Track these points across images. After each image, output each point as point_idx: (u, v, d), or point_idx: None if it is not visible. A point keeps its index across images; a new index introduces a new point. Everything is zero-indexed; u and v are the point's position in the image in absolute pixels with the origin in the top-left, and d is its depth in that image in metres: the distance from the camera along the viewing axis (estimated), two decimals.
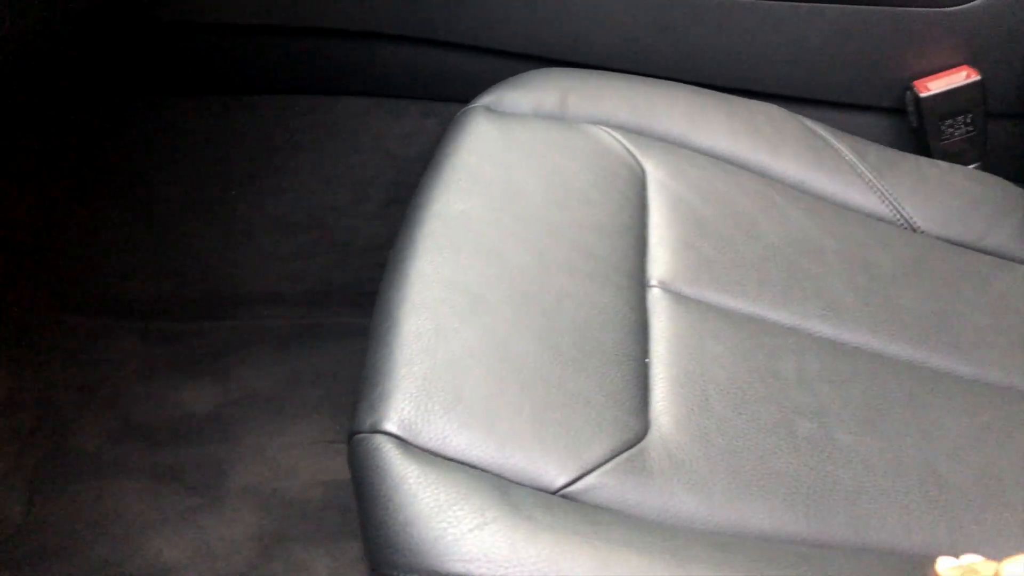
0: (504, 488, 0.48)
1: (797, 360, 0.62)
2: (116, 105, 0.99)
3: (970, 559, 0.48)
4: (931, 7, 0.84)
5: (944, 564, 0.48)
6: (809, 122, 0.84)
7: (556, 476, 0.50)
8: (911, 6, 0.84)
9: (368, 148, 0.98)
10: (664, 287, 0.66)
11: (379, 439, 0.50)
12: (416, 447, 0.50)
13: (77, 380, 0.99)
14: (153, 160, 1.03)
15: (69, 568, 0.80)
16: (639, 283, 0.66)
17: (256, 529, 0.83)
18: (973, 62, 0.85)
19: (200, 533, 0.83)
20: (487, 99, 0.81)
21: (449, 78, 0.94)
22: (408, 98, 0.97)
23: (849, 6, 0.85)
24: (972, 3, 0.83)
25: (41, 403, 0.97)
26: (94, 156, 1.02)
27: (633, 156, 0.77)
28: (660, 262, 0.68)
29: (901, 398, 0.62)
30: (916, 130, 0.88)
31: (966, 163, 0.89)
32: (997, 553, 0.54)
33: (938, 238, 0.80)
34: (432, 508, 0.46)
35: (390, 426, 0.50)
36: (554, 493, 0.50)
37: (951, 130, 0.86)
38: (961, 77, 0.84)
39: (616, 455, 0.52)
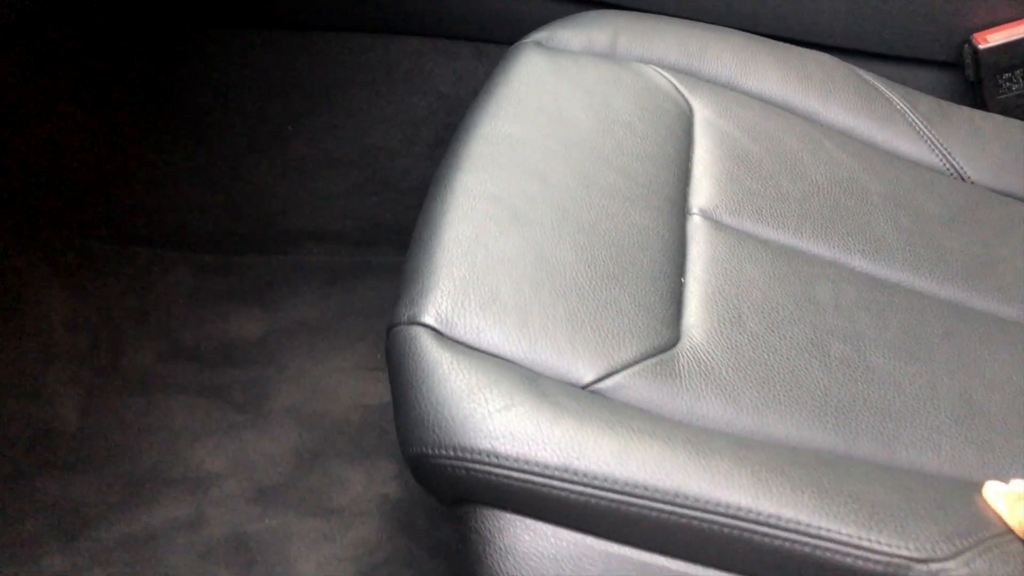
0: (532, 378, 0.49)
1: (834, 288, 0.62)
2: (181, 36, 1.02)
3: (1020, 484, 0.48)
4: None
5: (992, 488, 0.48)
6: (861, 71, 0.83)
7: (585, 373, 0.51)
8: None
9: (421, 88, 0.99)
10: (705, 215, 0.66)
11: (416, 330, 0.51)
12: (450, 339, 0.51)
13: (133, 305, 1.03)
14: (213, 93, 1.05)
15: (117, 472, 0.84)
16: (680, 210, 0.66)
17: (295, 445, 0.85)
18: None
19: (242, 446, 0.85)
20: (539, 35, 0.82)
21: (503, 20, 0.95)
22: (462, 39, 0.98)
23: None
24: None
25: (99, 325, 1.01)
26: (158, 86, 1.05)
27: (681, 94, 0.77)
28: (703, 192, 0.68)
29: (939, 331, 0.62)
30: (972, 84, 0.87)
31: (1023, 118, 0.87)
32: None
33: (989, 189, 0.79)
34: (463, 390, 0.47)
35: (427, 319, 0.52)
36: (583, 389, 0.51)
37: (1009, 84, 0.85)
38: (1022, 29, 0.83)
39: (646, 358, 0.52)
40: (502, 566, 0.46)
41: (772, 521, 0.44)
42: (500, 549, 0.46)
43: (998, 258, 0.70)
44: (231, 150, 1.08)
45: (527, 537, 0.46)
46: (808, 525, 0.44)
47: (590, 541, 0.46)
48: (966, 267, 0.68)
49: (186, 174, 1.10)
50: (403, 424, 0.49)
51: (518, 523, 0.47)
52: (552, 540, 0.46)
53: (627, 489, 0.44)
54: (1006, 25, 0.84)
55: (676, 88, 0.78)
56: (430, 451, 0.47)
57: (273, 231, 1.08)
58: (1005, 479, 0.53)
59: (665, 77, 0.78)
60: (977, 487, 0.52)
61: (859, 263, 0.66)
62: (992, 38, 0.84)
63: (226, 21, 1.00)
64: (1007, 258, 0.70)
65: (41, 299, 0.99)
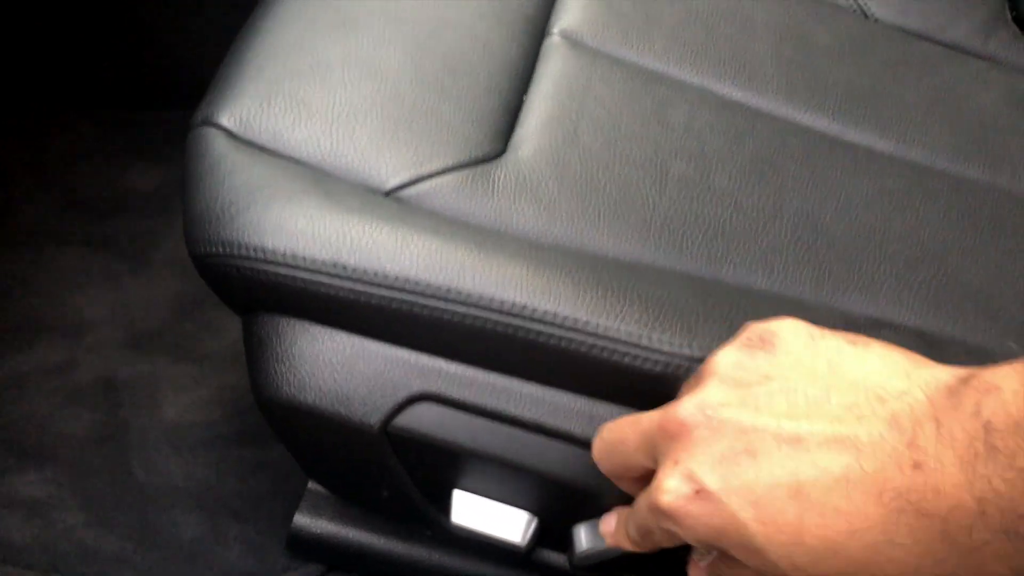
0: (321, 179, 0.46)
1: (690, 111, 0.58)
2: None
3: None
4: None
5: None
6: None
7: (388, 177, 0.48)
8: None
9: None
10: (565, 35, 0.62)
11: (208, 130, 0.48)
12: (244, 140, 0.48)
13: (31, 160, 1.00)
14: None
15: None
16: (538, 30, 0.62)
17: (176, 294, 0.83)
18: None
19: (122, 295, 0.83)
20: None
21: None
22: None
23: None
24: None
25: None
26: None
27: None
28: (568, 13, 0.64)
29: (798, 156, 0.58)
30: None
31: None
32: (866, 302, 0.51)
33: (893, 26, 0.74)
34: (240, 187, 0.44)
35: (222, 119, 0.49)
36: (385, 195, 0.48)
37: None
38: None
39: (460, 168, 0.49)
40: (278, 369, 0.44)
41: (548, 318, 0.41)
42: (276, 353, 0.44)
43: (884, 91, 0.66)
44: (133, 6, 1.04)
45: (302, 340, 0.44)
46: (586, 323, 0.41)
47: (365, 343, 0.43)
48: (845, 99, 0.64)
49: (88, 30, 1.06)
50: (185, 225, 0.46)
51: (295, 326, 0.44)
52: (327, 343, 0.44)
53: (397, 284, 0.41)
54: None
55: None
56: (203, 249, 0.44)
57: (177, 86, 1.04)
58: (838, 306, 0.51)
59: None
60: (805, 306, 0.50)
61: (728, 90, 0.62)
62: None
63: None
64: (894, 93, 0.66)
65: None
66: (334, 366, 0.43)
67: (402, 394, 0.44)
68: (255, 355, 0.45)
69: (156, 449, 0.74)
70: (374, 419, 0.44)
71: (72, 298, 0.84)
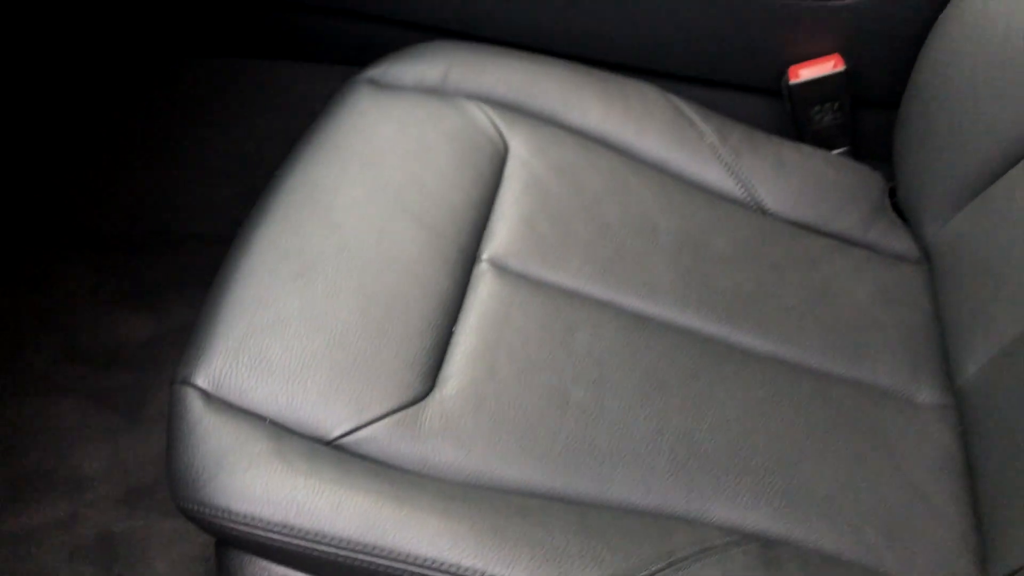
0: (278, 437, 0.57)
1: (593, 332, 0.69)
2: (113, 60, 1.11)
3: None
4: (815, 1, 0.87)
5: None
6: (681, 103, 0.89)
7: (333, 427, 0.59)
8: None
9: (295, 108, 1.06)
10: (492, 262, 0.73)
11: (186, 389, 0.59)
12: (217, 398, 0.59)
13: (35, 305, 1.11)
14: (108, 109, 1.13)
15: (3, 472, 0.93)
16: (470, 258, 0.73)
17: (164, 449, 0.94)
18: (844, 52, 0.89)
19: (117, 449, 0.94)
20: (374, 71, 0.87)
21: (367, 46, 1.00)
22: (332, 63, 1.05)
23: None
24: (849, 0, 0.86)
25: (1, 323, 1.09)
26: (67, 100, 1.13)
27: (500, 132, 0.83)
28: (496, 238, 0.75)
29: (686, 371, 0.69)
30: (791, 113, 0.93)
31: (835, 147, 0.93)
32: (727, 511, 0.62)
33: (786, 221, 0.85)
34: (213, 451, 0.56)
35: (197, 379, 0.60)
36: (328, 443, 0.59)
37: (819, 116, 0.91)
38: (829, 66, 0.88)
39: (393, 412, 0.60)
40: None
41: (453, 570, 0.52)
42: None
43: (767, 293, 0.77)
44: (125, 160, 1.15)
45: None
46: (484, 574, 0.52)
47: None
48: (733, 304, 0.75)
49: (85, 181, 1.17)
50: (169, 480, 0.57)
51: (257, 564, 0.55)
52: None
53: (335, 543, 0.53)
54: (815, 61, 0.89)
55: (495, 126, 0.84)
56: (183, 504, 0.55)
57: (165, 234, 1.16)
58: (703, 516, 0.62)
59: (487, 115, 0.84)
60: (682, 520, 0.61)
61: (631, 302, 0.74)
62: (804, 73, 0.89)
63: (122, 46, 1.09)
64: (776, 294, 0.77)
65: None
66: None
67: None
68: None
69: None
70: None
71: (72, 452, 0.94)
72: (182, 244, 1.15)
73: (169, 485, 0.57)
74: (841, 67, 0.88)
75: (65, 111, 1.16)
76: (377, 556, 0.52)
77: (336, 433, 0.59)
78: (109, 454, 0.94)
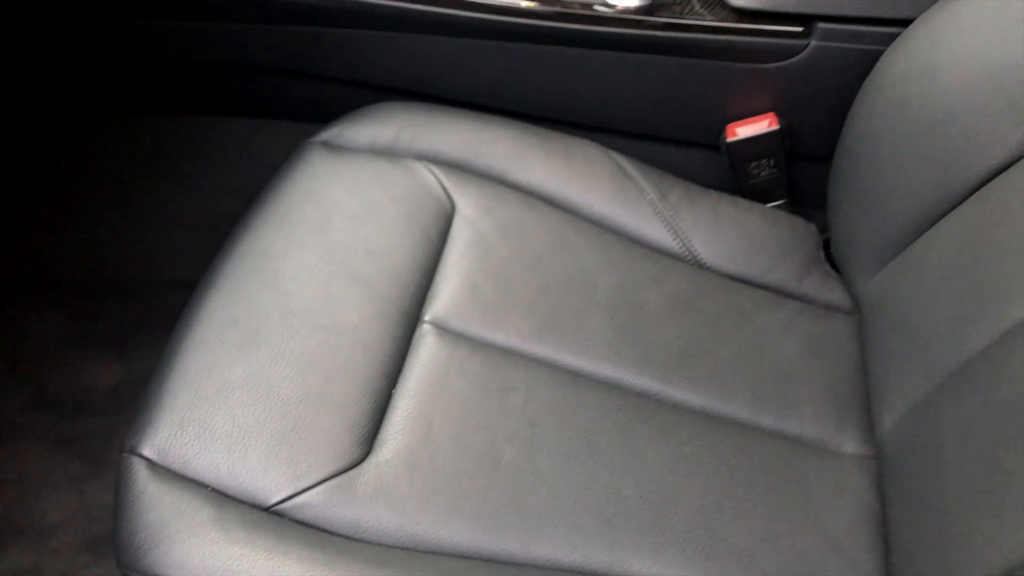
0: (219, 504, 0.60)
1: (528, 391, 0.73)
2: (81, 117, 1.15)
3: None
4: (750, 63, 0.91)
5: None
6: (623, 160, 0.93)
7: (272, 494, 0.62)
8: (733, 61, 0.91)
9: (256, 162, 1.10)
10: (434, 323, 0.77)
11: (133, 459, 0.63)
12: (162, 468, 0.62)
13: (4, 353, 1.14)
14: (75, 162, 1.17)
15: None
16: (412, 320, 0.77)
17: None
18: (778, 111, 0.93)
19: (81, 497, 0.97)
20: (328, 133, 0.91)
21: (322, 103, 1.04)
22: (291, 119, 1.09)
23: (676, 58, 0.93)
24: (783, 63, 0.90)
25: None
26: (34, 153, 1.17)
27: (447, 193, 0.87)
28: (439, 300, 0.79)
29: (618, 427, 0.72)
30: (730, 167, 0.96)
31: (773, 199, 0.97)
32: (651, 565, 0.65)
33: (722, 274, 0.89)
34: (156, 521, 0.59)
35: (143, 449, 0.63)
36: (267, 509, 0.62)
37: (756, 171, 0.95)
38: (764, 125, 0.92)
39: (329, 479, 0.64)
40: None
41: None
42: None
43: (700, 348, 0.81)
44: (93, 213, 1.19)
45: None
46: None
47: None
48: (667, 360, 0.79)
49: (53, 229, 1.20)
50: (114, 548, 0.60)
51: None
52: None
53: None
54: (752, 119, 0.93)
55: (443, 187, 0.87)
56: (126, 572, 0.58)
57: (130, 282, 1.19)
58: (627, 571, 0.65)
59: (435, 175, 0.88)
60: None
61: (568, 360, 0.77)
62: (741, 131, 0.93)
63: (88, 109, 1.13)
64: (709, 349, 0.81)
65: None
66: None
67: None
68: None
69: None
70: None
71: (39, 500, 0.97)
72: (146, 291, 1.19)
73: (115, 552, 0.60)
74: (776, 126, 0.92)
75: (32, 164, 1.20)
76: None
77: (275, 500, 0.62)
78: (74, 501, 0.97)
